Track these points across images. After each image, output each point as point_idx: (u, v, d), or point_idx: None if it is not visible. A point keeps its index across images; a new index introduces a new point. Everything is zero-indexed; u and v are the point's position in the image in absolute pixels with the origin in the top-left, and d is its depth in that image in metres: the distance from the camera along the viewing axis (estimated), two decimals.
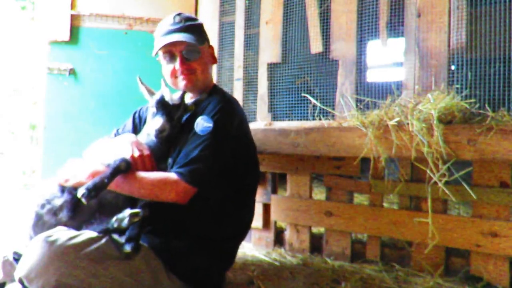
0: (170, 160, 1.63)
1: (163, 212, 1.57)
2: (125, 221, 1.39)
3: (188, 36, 1.66)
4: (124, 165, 1.44)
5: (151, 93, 1.67)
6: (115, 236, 1.44)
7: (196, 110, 1.69)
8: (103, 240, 1.38)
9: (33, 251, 1.29)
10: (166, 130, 1.54)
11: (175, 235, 1.56)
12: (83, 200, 1.32)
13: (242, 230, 1.81)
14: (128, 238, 1.42)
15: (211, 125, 1.54)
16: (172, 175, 1.49)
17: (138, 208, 1.47)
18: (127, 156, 1.50)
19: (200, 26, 1.79)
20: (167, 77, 1.75)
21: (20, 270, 1.29)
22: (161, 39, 1.70)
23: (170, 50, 1.70)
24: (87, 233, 1.38)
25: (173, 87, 1.76)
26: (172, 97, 1.60)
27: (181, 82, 1.72)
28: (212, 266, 1.64)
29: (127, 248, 1.40)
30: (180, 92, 1.64)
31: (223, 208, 1.67)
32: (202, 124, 1.56)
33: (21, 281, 1.30)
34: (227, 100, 1.69)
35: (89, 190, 1.33)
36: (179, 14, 1.73)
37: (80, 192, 1.32)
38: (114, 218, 1.41)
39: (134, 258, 1.42)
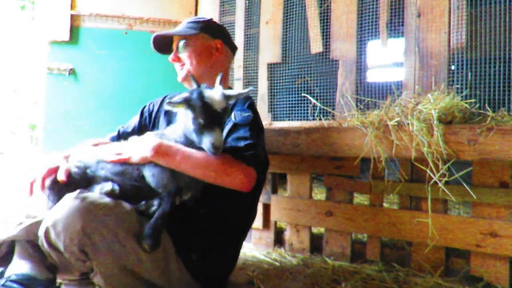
0: None
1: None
2: (152, 209, 1.39)
3: (178, 31, 1.77)
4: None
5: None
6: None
7: None
8: (132, 212, 1.37)
9: (63, 205, 1.28)
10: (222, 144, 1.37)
11: (193, 221, 1.55)
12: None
13: (249, 225, 1.82)
14: (149, 233, 1.34)
15: (250, 113, 1.57)
16: (232, 158, 1.42)
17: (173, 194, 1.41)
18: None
19: (199, 22, 1.80)
20: None
21: (48, 221, 1.27)
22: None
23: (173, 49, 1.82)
24: (118, 201, 1.38)
25: None
26: (218, 103, 1.37)
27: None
28: (221, 264, 1.63)
29: (145, 244, 1.36)
30: (220, 93, 1.40)
31: (254, 196, 1.74)
32: (240, 114, 1.57)
33: (46, 233, 1.28)
34: (249, 97, 1.74)
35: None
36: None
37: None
38: (143, 202, 1.41)
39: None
